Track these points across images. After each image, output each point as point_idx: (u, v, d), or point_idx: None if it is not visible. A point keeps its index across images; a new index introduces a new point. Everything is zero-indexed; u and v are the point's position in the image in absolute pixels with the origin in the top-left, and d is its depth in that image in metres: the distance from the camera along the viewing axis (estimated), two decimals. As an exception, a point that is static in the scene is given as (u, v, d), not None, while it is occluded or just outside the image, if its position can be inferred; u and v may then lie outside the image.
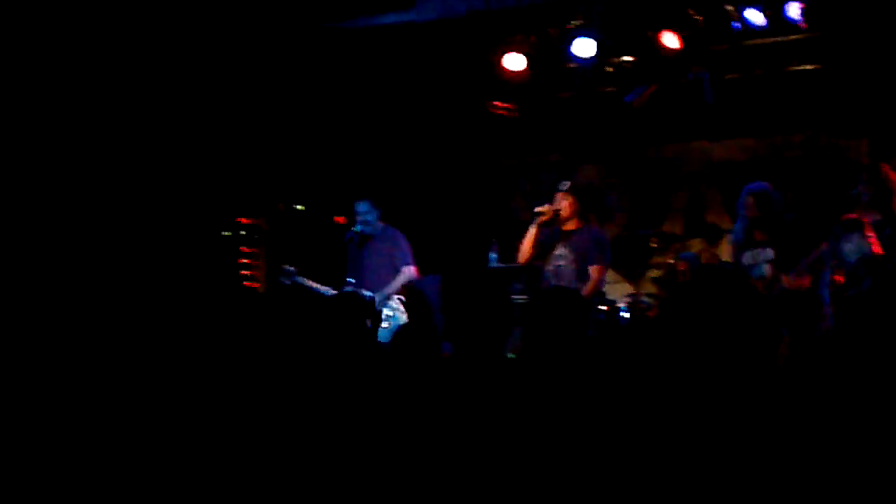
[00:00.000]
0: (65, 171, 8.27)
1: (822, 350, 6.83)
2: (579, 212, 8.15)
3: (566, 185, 8.22)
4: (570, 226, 8.14)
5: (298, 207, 10.27)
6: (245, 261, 9.84)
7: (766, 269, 7.85)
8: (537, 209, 8.17)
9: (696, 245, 10.17)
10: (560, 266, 7.99)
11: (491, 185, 11.60)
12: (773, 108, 10.12)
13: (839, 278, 7.27)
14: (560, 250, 8.03)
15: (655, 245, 9.93)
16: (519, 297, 8.50)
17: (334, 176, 10.43)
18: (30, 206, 8.00)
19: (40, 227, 8.04)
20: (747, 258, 8.00)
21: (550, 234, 8.14)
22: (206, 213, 9.62)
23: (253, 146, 9.95)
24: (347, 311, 5.48)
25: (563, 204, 8.12)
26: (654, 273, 10.08)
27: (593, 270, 7.93)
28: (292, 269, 8.75)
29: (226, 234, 9.86)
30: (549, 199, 8.21)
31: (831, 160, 9.93)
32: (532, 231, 8.15)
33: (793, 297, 7.55)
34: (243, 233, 9.89)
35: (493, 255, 9.36)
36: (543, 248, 8.14)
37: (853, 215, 7.32)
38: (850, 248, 7.26)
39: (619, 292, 9.49)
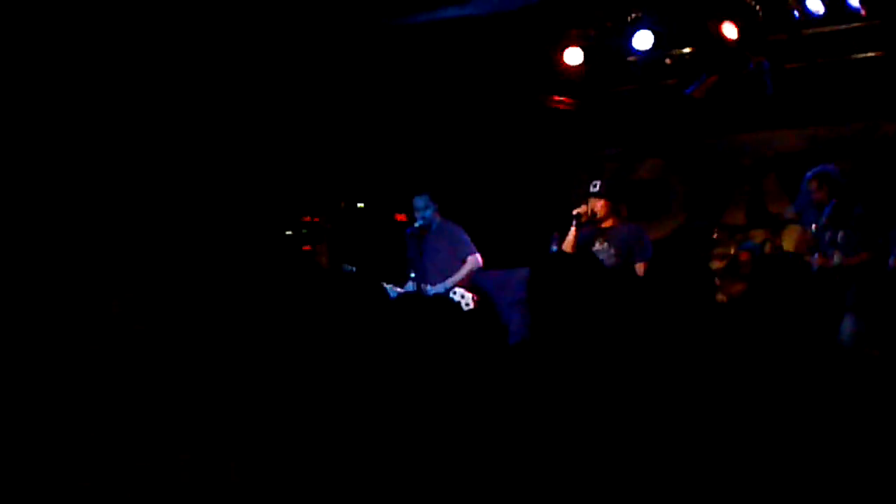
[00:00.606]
0: (126, 167, 8.39)
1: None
2: (612, 210, 8.48)
3: (596, 186, 8.53)
4: (607, 223, 8.49)
5: (360, 205, 10.35)
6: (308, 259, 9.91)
7: (837, 256, 7.90)
8: (575, 211, 8.48)
9: (758, 235, 10.11)
10: (602, 261, 8.16)
11: (551, 179, 11.61)
12: (833, 97, 10.03)
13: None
14: (599, 246, 8.37)
15: (717, 236, 9.89)
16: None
17: (395, 173, 10.50)
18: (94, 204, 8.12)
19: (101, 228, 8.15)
20: (827, 238, 8.05)
21: (589, 233, 8.44)
22: (270, 213, 9.72)
23: (315, 145, 10.03)
24: (411, 311, 5.50)
25: (598, 205, 8.46)
26: (716, 264, 10.03)
27: (639, 267, 8.39)
28: (353, 268, 8.91)
29: (289, 232, 9.95)
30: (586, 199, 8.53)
31: (893, 148, 9.84)
32: (572, 231, 8.50)
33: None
34: (306, 231, 9.97)
35: (555, 248, 9.38)
36: (583, 246, 8.44)
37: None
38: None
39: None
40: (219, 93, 8.97)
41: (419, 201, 9.14)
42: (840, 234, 7.96)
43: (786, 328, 3.44)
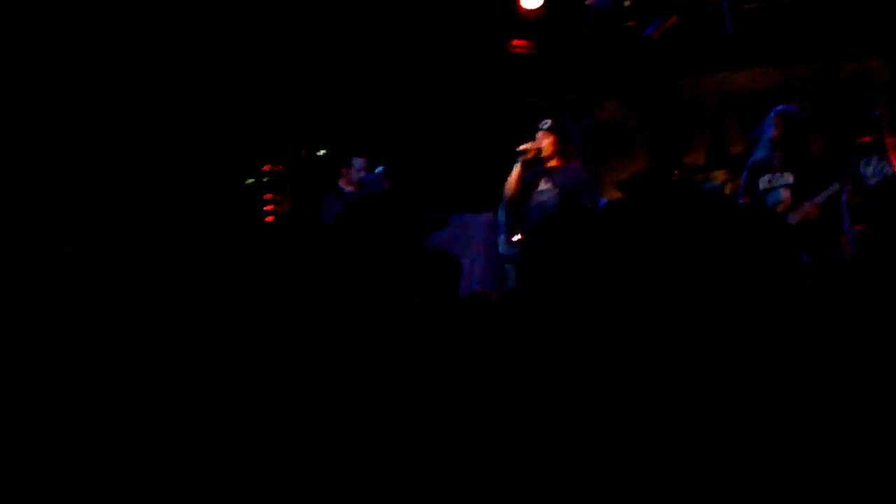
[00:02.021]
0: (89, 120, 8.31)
1: (846, 276, 6.79)
2: (561, 149, 8.32)
3: (547, 123, 8.37)
4: (553, 163, 8.31)
5: (320, 152, 10.28)
6: (269, 207, 9.86)
7: (784, 195, 7.76)
8: (520, 147, 8.32)
9: (719, 176, 10.12)
10: (543, 200, 8.11)
11: (510, 124, 11.57)
12: (794, 36, 10.02)
13: (857, 200, 7.22)
14: (543, 186, 8.19)
15: (677, 177, 9.88)
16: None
17: (355, 119, 10.44)
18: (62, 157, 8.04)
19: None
20: (763, 182, 7.88)
21: (534, 173, 8.29)
22: (230, 162, 9.66)
23: (275, 92, 9.96)
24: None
25: (545, 142, 8.28)
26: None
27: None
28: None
29: (249, 181, 9.89)
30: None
31: (854, 86, 9.84)
32: (516, 169, 8.31)
33: (809, 225, 7.49)
34: (267, 180, 9.92)
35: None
36: (527, 186, 8.29)
37: (870, 138, 7.27)
38: (869, 170, 7.22)
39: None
40: (180, 42, 8.89)
41: (356, 162, 9.17)
42: (788, 175, 7.87)
43: (746, 269, 3.41)
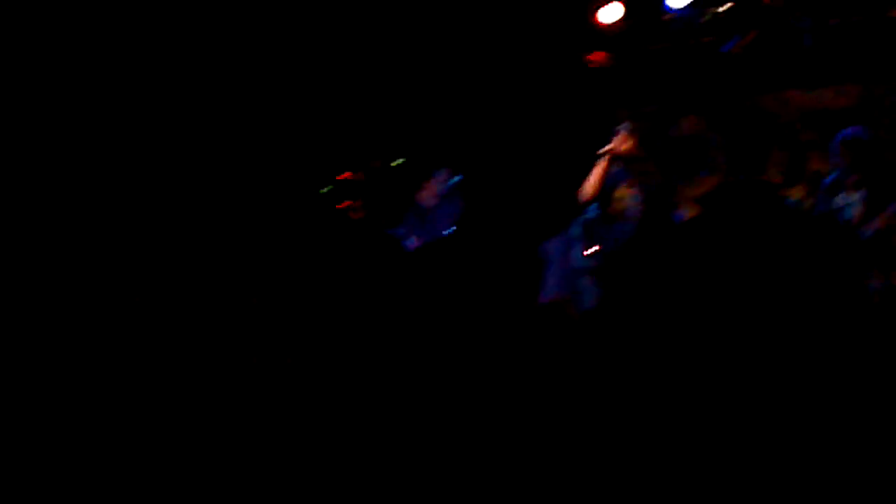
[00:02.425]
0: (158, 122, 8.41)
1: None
2: (640, 152, 8.16)
3: (626, 125, 8.23)
4: (635, 166, 8.16)
5: (396, 162, 10.32)
6: (349, 214, 9.91)
7: (856, 211, 7.71)
8: (601, 150, 8.21)
9: (797, 193, 10.03)
10: (624, 206, 8.02)
11: (587, 137, 11.55)
12: (874, 54, 9.95)
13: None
14: (623, 189, 8.06)
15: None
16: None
17: (432, 131, 10.49)
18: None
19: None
20: (838, 202, 7.86)
21: (615, 174, 8.16)
22: (305, 171, 9.72)
23: (351, 102, 10.03)
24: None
25: (625, 145, 8.14)
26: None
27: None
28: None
29: (324, 190, 9.94)
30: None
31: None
32: (596, 170, 8.17)
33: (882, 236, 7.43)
34: (341, 189, 9.97)
35: (593, 205, 9.33)
36: (606, 189, 8.16)
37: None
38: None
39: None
40: (250, 49, 8.98)
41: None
42: (860, 192, 7.82)
43: (821, 281, 3.41)
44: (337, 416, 3.51)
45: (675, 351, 3.30)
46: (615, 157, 8.15)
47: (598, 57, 10.87)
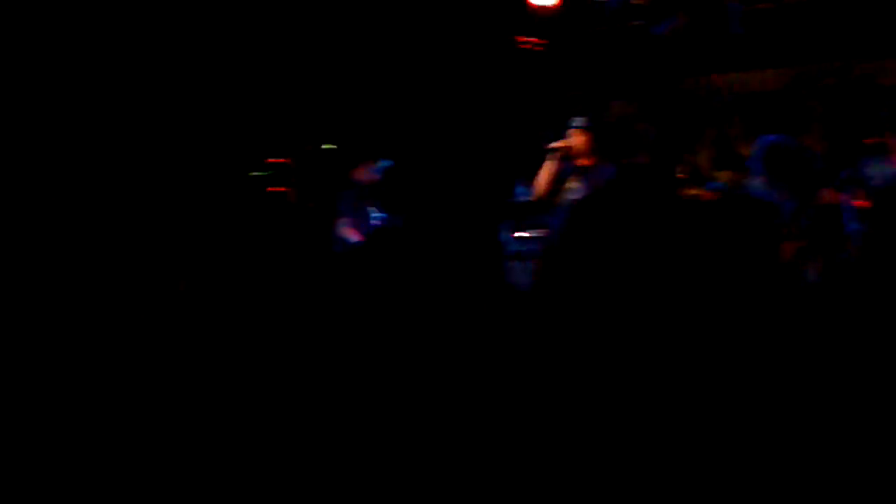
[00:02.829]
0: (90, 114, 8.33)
1: (849, 275, 6.77)
2: (594, 148, 8.17)
3: (581, 120, 8.24)
4: (585, 161, 8.16)
5: (327, 147, 10.28)
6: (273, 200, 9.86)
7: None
8: (552, 145, 8.21)
9: (724, 176, 10.07)
10: (573, 199, 7.99)
11: (520, 120, 11.57)
12: (804, 37, 10.00)
13: (862, 203, 7.21)
14: (574, 184, 8.03)
15: (681, 176, 9.83)
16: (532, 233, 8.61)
17: (363, 114, 10.46)
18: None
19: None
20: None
21: (567, 170, 8.16)
22: (235, 155, 9.67)
23: (282, 86, 9.97)
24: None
25: (577, 140, 8.14)
26: (685, 204, 10.00)
27: None
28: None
29: (254, 174, 9.89)
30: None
31: (864, 87, 9.81)
32: (547, 166, 8.19)
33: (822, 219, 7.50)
34: (271, 173, 9.92)
35: (521, 189, 9.30)
36: (558, 183, 8.16)
37: (876, 139, 7.26)
38: (873, 171, 7.20)
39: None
40: (185, 36, 8.90)
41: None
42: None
43: (751, 265, 3.41)
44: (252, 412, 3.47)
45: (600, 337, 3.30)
46: (567, 154, 8.17)
47: (530, 39, 10.87)
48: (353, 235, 8.54)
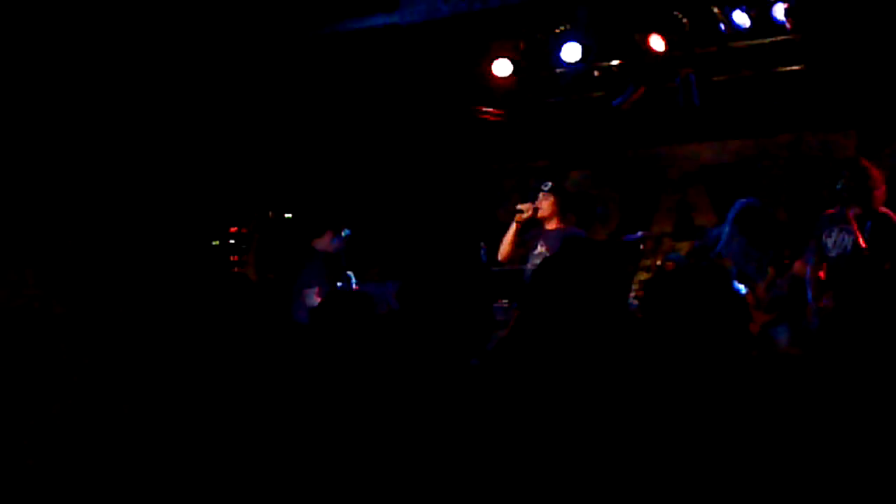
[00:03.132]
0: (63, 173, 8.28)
1: (813, 345, 6.84)
2: (560, 212, 8.21)
3: (548, 185, 8.29)
4: (550, 225, 8.20)
5: (287, 216, 10.29)
6: (235, 269, 9.84)
7: (769, 270, 7.87)
8: (518, 206, 8.25)
9: (684, 247, 10.16)
10: (538, 263, 7.99)
11: (478, 189, 11.62)
12: (760, 109, 10.14)
13: (822, 274, 7.32)
14: (539, 249, 8.06)
15: (644, 247, 9.90)
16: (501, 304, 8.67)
17: (323, 182, 10.48)
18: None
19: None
20: (752, 269, 8.00)
21: (532, 234, 8.20)
22: (196, 222, 9.63)
23: (241, 154, 9.97)
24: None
25: (544, 203, 8.18)
26: (643, 276, 10.05)
27: None
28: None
29: (216, 243, 9.87)
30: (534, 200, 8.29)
31: (818, 159, 9.95)
32: (512, 228, 8.23)
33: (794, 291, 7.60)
34: (233, 241, 9.90)
35: (484, 258, 9.36)
36: (525, 246, 8.19)
37: (834, 210, 7.39)
38: (830, 242, 7.34)
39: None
40: (147, 99, 8.89)
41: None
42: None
43: (710, 336, 3.43)
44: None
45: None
46: (532, 217, 8.21)
47: (490, 111, 10.94)
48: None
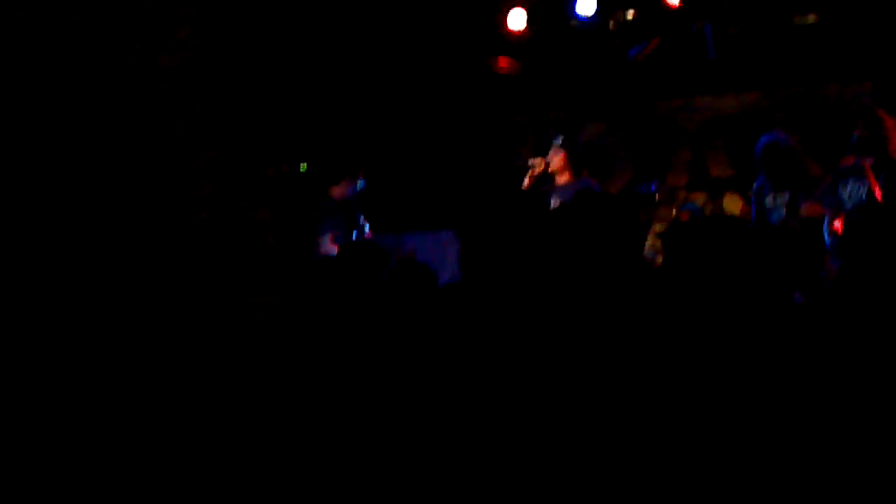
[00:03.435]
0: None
1: (829, 299, 6.83)
2: (571, 166, 8.24)
3: (559, 139, 8.31)
4: (562, 179, 8.24)
5: (302, 166, 10.31)
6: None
7: (784, 211, 7.84)
8: (530, 161, 8.29)
9: (699, 198, 10.17)
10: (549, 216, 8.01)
11: (496, 141, 11.60)
12: (775, 61, 10.10)
13: (837, 226, 7.29)
14: (553, 203, 8.07)
15: (659, 198, 9.92)
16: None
17: (338, 134, 10.47)
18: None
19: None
20: (769, 202, 7.96)
21: (546, 189, 8.23)
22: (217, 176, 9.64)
23: (259, 107, 9.96)
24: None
25: (555, 158, 8.21)
26: (658, 227, 10.07)
27: None
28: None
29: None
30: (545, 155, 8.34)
31: (834, 111, 9.91)
32: (525, 183, 8.26)
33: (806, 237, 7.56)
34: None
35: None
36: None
37: (849, 160, 7.37)
38: (846, 193, 7.31)
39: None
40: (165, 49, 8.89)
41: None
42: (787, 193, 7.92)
43: (725, 288, 3.43)
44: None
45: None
46: (544, 172, 8.23)
47: (505, 63, 10.92)
48: (334, 251, 8.60)
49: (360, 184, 9.43)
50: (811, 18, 9.80)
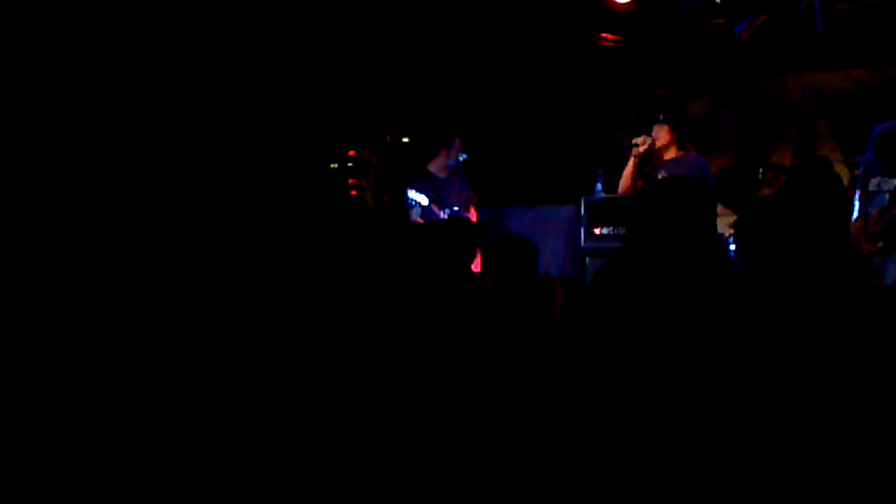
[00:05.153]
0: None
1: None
2: (676, 140, 8.23)
3: (661, 116, 8.31)
4: (669, 154, 8.23)
5: (405, 139, 10.38)
6: (353, 192, 9.95)
7: (887, 198, 7.70)
8: (634, 140, 8.30)
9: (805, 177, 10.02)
10: (651, 184, 8.00)
11: (598, 116, 11.58)
12: (885, 39, 9.92)
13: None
14: (660, 178, 8.06)
15: (762, 176, 9.79)
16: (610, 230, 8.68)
17: (441, 108, 10.52)
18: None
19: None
20: (873, 184, 7.80)
21: (652, 165, 8.22)
22: (316, 147, 9.74)
23: (361, 79, 10.04)
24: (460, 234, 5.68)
25: (660, 134, 8.21)
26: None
27: None
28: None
29: (334, 165, 9.99)
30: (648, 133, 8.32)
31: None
32: (631, 163, 8.30)
33: None
34: (351, 165, 10.01)
35: (599, 186, 9.36)
36: (646, 178, 8.22)
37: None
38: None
39: (726, 223, 9.42)
40: (260, 28, 8.99)
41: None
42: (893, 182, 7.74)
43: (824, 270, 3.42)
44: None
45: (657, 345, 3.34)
46: (649, 151, 8.24)
47: (610, 36, 10.87)
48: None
49: (462, 157, 9.47)
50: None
